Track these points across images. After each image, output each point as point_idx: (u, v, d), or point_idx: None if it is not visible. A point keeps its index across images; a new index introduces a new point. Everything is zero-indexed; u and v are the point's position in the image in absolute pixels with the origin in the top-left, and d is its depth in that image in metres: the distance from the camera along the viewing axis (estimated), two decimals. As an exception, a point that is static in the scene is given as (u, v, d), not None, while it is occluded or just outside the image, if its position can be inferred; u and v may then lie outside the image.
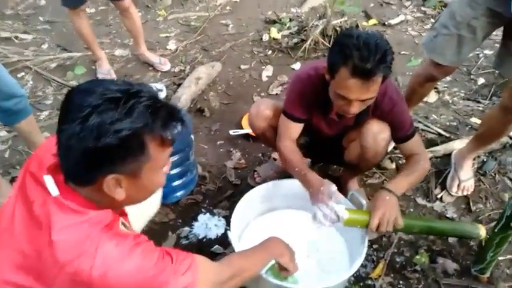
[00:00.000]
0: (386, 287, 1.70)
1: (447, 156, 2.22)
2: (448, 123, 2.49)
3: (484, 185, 2.10)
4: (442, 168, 2.18)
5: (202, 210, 2.03)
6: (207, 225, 1.96)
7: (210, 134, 2.50)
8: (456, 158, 2.12)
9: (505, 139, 2.26)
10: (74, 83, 2.92)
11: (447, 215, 1.97)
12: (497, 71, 2.78)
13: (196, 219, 1.98)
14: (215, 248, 1.84)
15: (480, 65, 2.95)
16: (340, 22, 3.21)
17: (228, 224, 1.91)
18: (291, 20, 3.46)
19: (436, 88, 2.72)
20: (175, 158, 1.89)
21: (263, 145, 2.28)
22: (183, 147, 1.93)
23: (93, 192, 0.90)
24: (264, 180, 1.85)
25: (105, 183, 0.88)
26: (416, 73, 2.10)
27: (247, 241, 1.65)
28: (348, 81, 1.32)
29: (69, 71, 3.03)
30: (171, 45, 3.35)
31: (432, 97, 2.65)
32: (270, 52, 3.22)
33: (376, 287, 1.69)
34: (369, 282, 1.72)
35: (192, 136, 2.03)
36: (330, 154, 1.89)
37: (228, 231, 1.53)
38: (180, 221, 1.99)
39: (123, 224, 0.99)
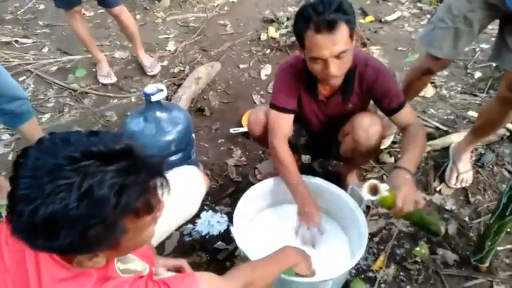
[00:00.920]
0: (388, 278, 1.73)
1: (445, 149, 2.24)
2: (445, 117, 2.51)
3: (482, 176, 2.13)
4: (440, 162, 2.20)
5: (205, 207, 2.05)
6: (209, 222, 1.99)
7: (211, 133, 2.53)
8: (454, 151, 2.15)
9: (502, 131, 2.28)
10: (75, 86, 2.95)
11: (446, 207, 1.99)
12: (493, 65, 2.82)
13: (198, 217, 2.00)
14: (218, 245, 1.87)
15: (477, 59, 2.97)
16: (337, 20, 3.23)
17: (230, 220, 1.93)
18: (288, 18, 3.49)
19: (433, 83, 2.74)
20: (177, 157, 1.92)
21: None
22: (185, 147, 1.96)
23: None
24: (265, 177, 1.87)
25: (76, 261, 0.79)
26: (413, 66, 2.12)
27: (250, 236, 1.67)
28: (315, 39, 1.36)
29: (70, 73, 3.05)
30: (171, 46, 3.38)
31: (429, 91, 2.67)
32: (268, 51, 3.25)
33: (377, 279, 1.72)
34: (370, 274, 1.74)
35: (193, 135, 2.06)
36: (328, 149, 1.91)
37: (231, 227, 1.55)
38: (183, 218, 2.01)
39: (120, 261, 0.94)
